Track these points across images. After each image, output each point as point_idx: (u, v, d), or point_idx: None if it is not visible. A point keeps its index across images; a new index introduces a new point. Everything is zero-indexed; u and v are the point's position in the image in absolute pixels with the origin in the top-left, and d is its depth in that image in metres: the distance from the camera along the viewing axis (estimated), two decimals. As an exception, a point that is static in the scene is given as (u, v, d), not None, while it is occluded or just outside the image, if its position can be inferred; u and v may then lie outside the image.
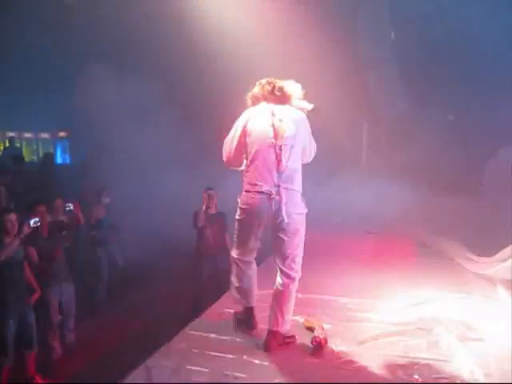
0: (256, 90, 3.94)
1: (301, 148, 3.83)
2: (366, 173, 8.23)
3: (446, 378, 3.37)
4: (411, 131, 8.05)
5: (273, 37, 7.25)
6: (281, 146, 3.71)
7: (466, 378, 3.37)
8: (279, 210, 3.68)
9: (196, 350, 3.80)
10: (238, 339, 3.97)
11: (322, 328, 3.99)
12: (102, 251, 6.92)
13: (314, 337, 3.81)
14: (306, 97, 3.91)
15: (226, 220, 6.56)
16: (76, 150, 12.51)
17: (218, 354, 3.73)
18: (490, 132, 8.04)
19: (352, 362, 3.61)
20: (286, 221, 3.68)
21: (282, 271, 3.82)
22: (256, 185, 3.73)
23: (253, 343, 3.89)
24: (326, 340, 3.80)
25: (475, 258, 5.60)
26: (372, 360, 3.62)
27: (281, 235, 3.76)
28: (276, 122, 3.74)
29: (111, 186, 7.11)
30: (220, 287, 5.17)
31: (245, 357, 3.69)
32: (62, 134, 14.75)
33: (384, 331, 4.05)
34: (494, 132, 7.99)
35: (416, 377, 3.39)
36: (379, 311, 4.49)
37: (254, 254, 4.06)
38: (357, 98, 7.26)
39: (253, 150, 3.76)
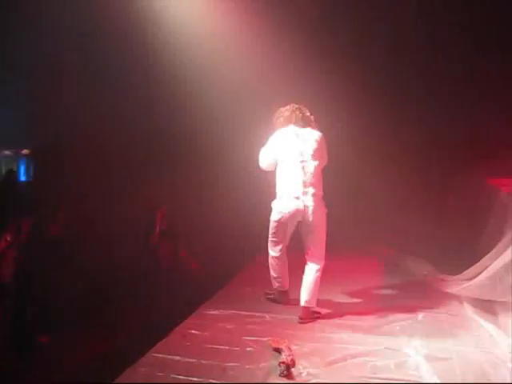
0: (287, 113, 5.05)
1: (320, 161, 4.89)
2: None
3: (415, 399, 3.34)
4: (380, 150, 8.08)
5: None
6: (305, 162, 4.81)
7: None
8: (307, 210, 4.73)
9: (161, 374, 3.70)
10: (203, 361, 3.89)
11: (290, 349, 3.92)
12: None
13: (282, 358, 3.74)
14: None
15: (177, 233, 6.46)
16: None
17: (184, 378, 3.64)
18: (453, 151, 8.13)
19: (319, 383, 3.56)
20: (310, 219, 4.74)
21: (310, 260, 4.86)
22: (289, 192, 4.78)
23: (216, 366, 3.80)
24: (293, 361, 3.75)
25: (442, 276, 5.63)
26: (340, 381, 3.56)
27: (309, 231, 4.82)
28: (301, 142, 4.85)
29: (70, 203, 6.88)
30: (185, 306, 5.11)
31: (211, 380, 3.59)
32: (25, 151, 14.50)
33: (352, 352, 4.00)
34: (457, 150, 8.09)
35: (385, 398, 3.35)
36: (347, 331, 4.44)
37: (285, 249, 5.09)
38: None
39: (283, 165, 4.86)
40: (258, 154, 5.14)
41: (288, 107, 5.10)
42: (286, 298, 5.17)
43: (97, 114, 6.58)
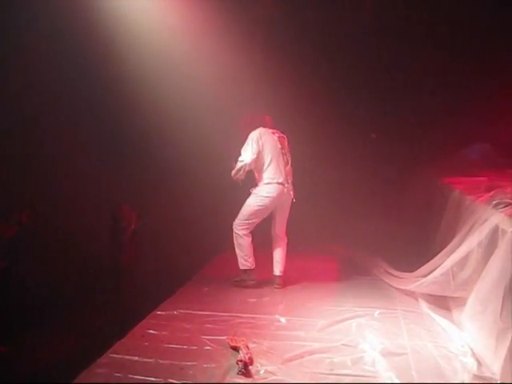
0: (249, 120, 5.86)
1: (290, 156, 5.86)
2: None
3: (371, 394, 3.38)
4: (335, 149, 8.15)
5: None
6: (283, 156, 5.75)
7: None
8: (287, 195, 5.68)
9: (119, 374, 3.66)
10: (161, 361, 3.86)
11: (247, 347, 3.93)
12: None
13: (239, 357, 3.75)
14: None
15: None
16: None
17: (142, 378, 3.60)
18: (411, 150, 8.27)
19: (277, 380, 3.56)
20: (287, 203, 5.74)
21: (279, 236, 5.83)
22: (274, 178, 5.61)
23: (174, 365, 3.79)
24: (251, 359, 3.76)
25: (397, 273, 5.69)
26: (297, 378, 3.59)
27: (283, 212, 5.78)
28: (278, 138, 5.78)
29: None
30: (143, 304, 5.09)
31: (169, 380, 3.57)
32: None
33: (309, 349, 4.03)
34: (415, 150, 8.23)
35: (341, 393, 3.38)
36: (304, 329, 4.47)
37: None
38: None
39: (270, 156, 5.63)
40: (232, 153, 5.75)
41: (256, 113, 5.95)
42: (253, 275, 5.72)
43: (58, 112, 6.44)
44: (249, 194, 5.78)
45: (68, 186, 6.41)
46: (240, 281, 5.73)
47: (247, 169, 5.61)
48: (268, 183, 5.63)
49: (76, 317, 5.03)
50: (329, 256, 6.90)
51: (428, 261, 5.07)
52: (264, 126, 5.79)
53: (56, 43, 5.93)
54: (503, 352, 3.31)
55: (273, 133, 5.79)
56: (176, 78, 6.99)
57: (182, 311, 4.91)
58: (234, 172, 5.64)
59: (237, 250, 5.75)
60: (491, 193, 4.64)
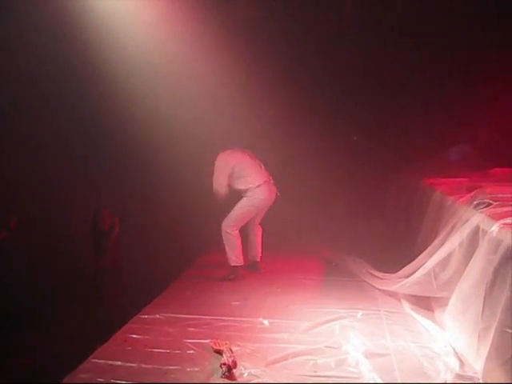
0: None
1: None
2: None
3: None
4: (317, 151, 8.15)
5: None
6: (258, 161, 6.16)
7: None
8: (274, 190, 6.12)
9: (102, 379, 3.63)
10: (144, 365, 3.83)
11: (231, 350, 3.92)
12: None
13: (223, 360, 3.74)
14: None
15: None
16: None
17: (125, 382, 3.58)
18: (393, 152, 8.29)
19: (261, 383, 3.56)
20: (271, 201, 6.14)
21: (257, 226, 6.29)
22: (261, 179, 5.97)
23: (158, 370, 3.77)
24: (235, 362, 3.74)
25: (380, 274, 5.71)
26: (281, 380, 3.59)
27: (266, 207, 6.16)
28: (247, 152, 6.13)
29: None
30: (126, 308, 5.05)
31: (152, 384, 3.57)
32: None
33: (293, 351, 4.03)
34: (397, 152, 8.26)
35: (325, 395, 3.38)
36: (288, 331, 4.46)
37: None
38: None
39: (246, 165, 6.00)
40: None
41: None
42: (241, 271, 6.07)
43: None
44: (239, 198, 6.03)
45: (50, 190, 6.38)
46: (230, 278, 5.98)
47: (224, 195, 5.98)
48: (258, 186, 5.95)
49: (58, 322, 5.00)
50: (312, 257, 6.91)
51: (410, 262, 5.09)
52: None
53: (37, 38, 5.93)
54: (485, 351, 3.33)
55: (234, 151, 6.11)
56: (159, 80, 6.98)
57: (164, 315, 4.87)
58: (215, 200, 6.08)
59: (227, 249, 6.02)
60: (472, 193, 4.67)
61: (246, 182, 5.95)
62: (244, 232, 6.23)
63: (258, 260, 6.30)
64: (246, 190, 5.98)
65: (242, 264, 6.07)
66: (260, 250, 6.29)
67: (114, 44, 6.56)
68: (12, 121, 6.18)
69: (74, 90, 6.47)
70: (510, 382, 3.05)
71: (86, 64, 6.40)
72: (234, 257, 6.00)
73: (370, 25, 7.97)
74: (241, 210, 6.03)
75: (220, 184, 5.93)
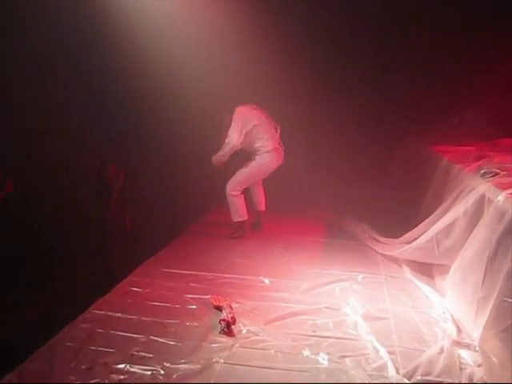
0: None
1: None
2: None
3: (352, 356, 3.41)
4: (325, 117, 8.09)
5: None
6: (273, 125, 6.11)
7: (371, 354, 3.42)
8: (281, 157, 6.12)
9: (101, 330, 3.68)
10: (144, 318, 3.88)
11: (231, 307, 3.96)
12: None
13: (222, 316, 3.78)
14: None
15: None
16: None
17: (124, 334, 3.64)
18: (403, 117, 8.21)
19: (259, 341, 3.60)
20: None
21: (259, 185, 6.36)
22: (273, 145, 5.98)
23: (157, 323, 3.83)
24: (234, 319, 3.78)
25: (382, 239, 5.71)
26: (279, 339, 3.62)
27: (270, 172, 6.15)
28: (263, 112, 6.06)
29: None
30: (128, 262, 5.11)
31: (151, 337, 3.61)
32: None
33: (292, 310, 4.07)
34: (407, 117, 8.18)
35: (322, 354, 3.42)
36: (289, 291, 4.50)
37: None
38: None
39: (259, 127, 5.91)
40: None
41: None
42: (247, 226, 6.17)
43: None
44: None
45: (52, 147, 6.36)
46: (237, 235, 6.08)
47: (234, 150, 5.85)
48: (268, 151, 5.96)
49: (60, 274, 5.04)
50: (315, 220, 6.92)
51: (414, 227, 5.09)
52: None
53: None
54: (483, 320, 3.35)
55: (253, 108, 6.03)
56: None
57: (166, 270, 4.92)
58: (218, 155, 5.88)
59: (231, 208, 6.07)
60: (479, 162, 4.64)
61: (257, 144, 5.94)
62: (246, 189, 6.24)
63: (263, 209, 6.42)
64: (254, 152, 5.99)
65: (247, 219, 6.12)
66: (263, 201, 6.40)
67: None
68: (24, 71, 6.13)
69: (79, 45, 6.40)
70: (505, 350, 3.08)
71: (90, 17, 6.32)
72: (238, 214, 6.05)
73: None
74: (247, 174, 6.07)
75: (236, 138, 5.80)
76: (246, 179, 6.11)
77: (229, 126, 5.83)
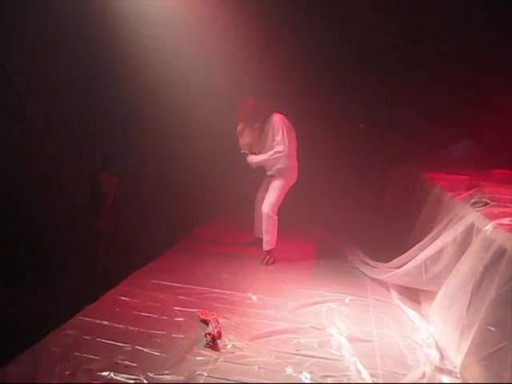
0: (254, 103, 5.81)
1: None
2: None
3: (335, 376, 3.44)
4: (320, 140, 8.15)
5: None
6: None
7: (354, 376, 3.45)
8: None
9: (87, 337, 3.72)
10: (130, 327, 3.91)
11: (217, 321, 3.99)
12: None
13: (208, 330, 3.81)
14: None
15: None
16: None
17: (110, 342, 3.68)
18: (398, 144, 8.28)
19: (243, 356, 3.63)
20: None
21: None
22: (296, 166, 5.92)
23: (143, 333, 3.86)
24: (219, 333, 3.83)
25: (372, 263, 5.74)
26: (263, 355, 3.66)
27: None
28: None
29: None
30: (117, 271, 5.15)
31: (137, 346, 3.64)
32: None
33: (278, 328, 4.10)
34: (401, 145, 8.25)
35: (305, 373, 3.44)
36: (275, 308, 4.53)
37: None
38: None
39: (292, 143, 5.81)
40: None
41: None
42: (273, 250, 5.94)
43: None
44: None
45: (46, 153, 6.38)
46: (272, 260, 5.90)
47: (280, 158, 5.78)
48: (295, 168, 5.92)
49: (48, 280, 5.04)
50: (306, 239, 6.95)
51: (403, 253, 5.13)
52: (272, 112, 5.84)
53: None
54: (466, 346, 3.39)
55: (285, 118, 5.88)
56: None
57: (156, 281, 4.95)
58: (262, 159, 5.86)
59: (268, 232, 5.87)
60: (470, 191, 4.70)
61: (287, 157, 5.80)
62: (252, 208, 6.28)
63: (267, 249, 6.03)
64: (283, 168, 5.85)
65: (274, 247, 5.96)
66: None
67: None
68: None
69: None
70: (485, 377, 3.11)
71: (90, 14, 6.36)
72: (272, 242, 5.89)
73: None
74: (281, 193, 5.89)
75: (284, 146, 5.71)
76: (280, 196, 5.88)
77: (261, 131, 5.79)
